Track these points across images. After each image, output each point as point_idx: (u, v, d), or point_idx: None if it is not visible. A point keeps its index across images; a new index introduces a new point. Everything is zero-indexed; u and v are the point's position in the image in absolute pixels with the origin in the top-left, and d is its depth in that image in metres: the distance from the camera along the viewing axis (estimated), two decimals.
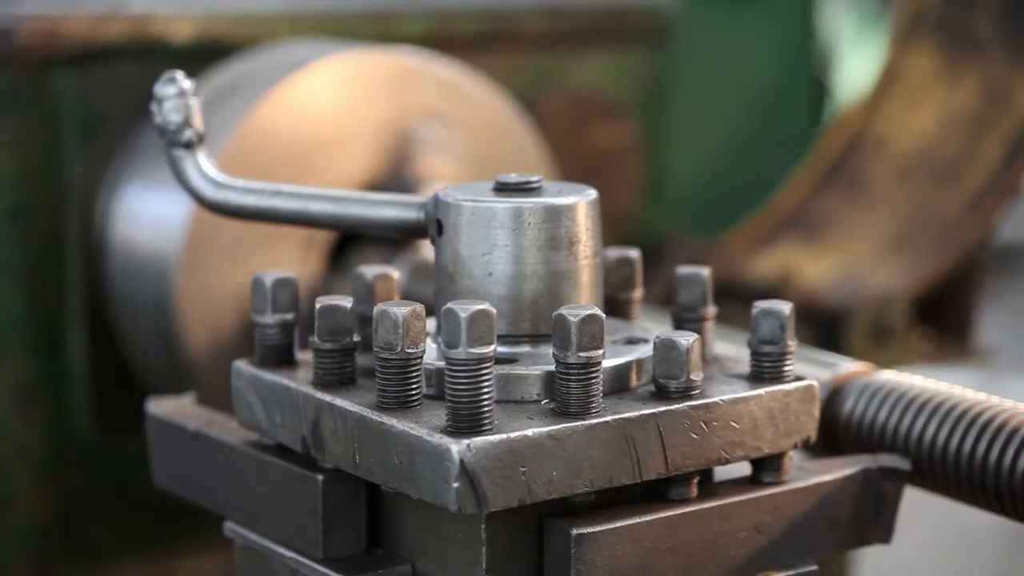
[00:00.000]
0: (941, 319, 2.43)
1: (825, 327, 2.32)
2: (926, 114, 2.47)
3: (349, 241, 1.97)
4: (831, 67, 3.23)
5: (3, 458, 2.01)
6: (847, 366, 1.53)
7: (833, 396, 1.50)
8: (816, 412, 1.36)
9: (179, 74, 1.45)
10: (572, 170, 2.27)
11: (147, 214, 1.97)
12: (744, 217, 2.60)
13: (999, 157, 2.38)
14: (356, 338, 1.34)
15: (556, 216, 1.33)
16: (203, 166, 1.46)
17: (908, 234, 2.40)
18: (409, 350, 1.25)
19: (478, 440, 1.20)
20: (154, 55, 2.03)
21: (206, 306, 1.90)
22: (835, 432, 1.50)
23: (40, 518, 2.03)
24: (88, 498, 2.07)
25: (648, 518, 1.27)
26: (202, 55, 2.05)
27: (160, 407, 1.52)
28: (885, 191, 2.46)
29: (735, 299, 2.13)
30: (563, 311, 1.24)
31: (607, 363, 1.28)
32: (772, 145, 2.91)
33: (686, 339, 1.28)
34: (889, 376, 1.50)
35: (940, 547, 3.29)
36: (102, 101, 2.01)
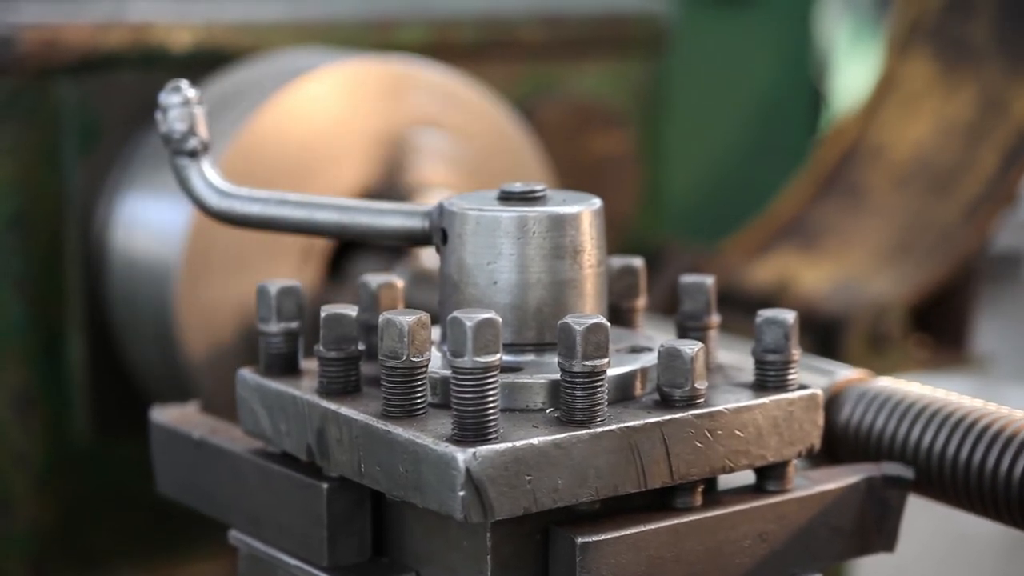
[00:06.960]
0: (938, 326, 2.43)
1: (822, 335, 2.32)
2: (922, 123, 2.47)
3: (348, 250, 1.97)
4: (828, 75, 3.23)
5: (2, 464, 2.01)
6: (844, 373, 1.53)
7: (831, 403, 1.50)
8: (820, 421, 1.36)
9: (184, 83, 1.45)
10: (570, 178, 2.27)
11: (147, 222, 1.97)
12: (741, 225, 2.60)
13: (995, 165, 2.38)
14: (361, 347, 1.34)
15: (561, 225, 1.33)
16: (208, 175, 1.46)
17: (905, 242, 2.40)
18: (414, 359, 1.25)
19: (484, 448, 1.20)
20: (154, 63, 2.03)
21: (205, 313, 1.90)
22: (832, 439, 1.50)
23: (39, 524, 2.03)
24: (87, 504, 2.06)
25: (653, 526, 1.27)
26: (202, 63, 2.05)
27: (164, 415, 1.52)
28: (882, 199, 2.46)
29: (732, 307, 2.14)
30: (568, 320, 1.24)
31: (612, 372, 1.29)
32: (769, 153, 2.91)
33: (690, 348, 1.29)
34: (886, 383, 1.50)
35: (938, 553, 3.30)
36: (102, 109, 2.01)
